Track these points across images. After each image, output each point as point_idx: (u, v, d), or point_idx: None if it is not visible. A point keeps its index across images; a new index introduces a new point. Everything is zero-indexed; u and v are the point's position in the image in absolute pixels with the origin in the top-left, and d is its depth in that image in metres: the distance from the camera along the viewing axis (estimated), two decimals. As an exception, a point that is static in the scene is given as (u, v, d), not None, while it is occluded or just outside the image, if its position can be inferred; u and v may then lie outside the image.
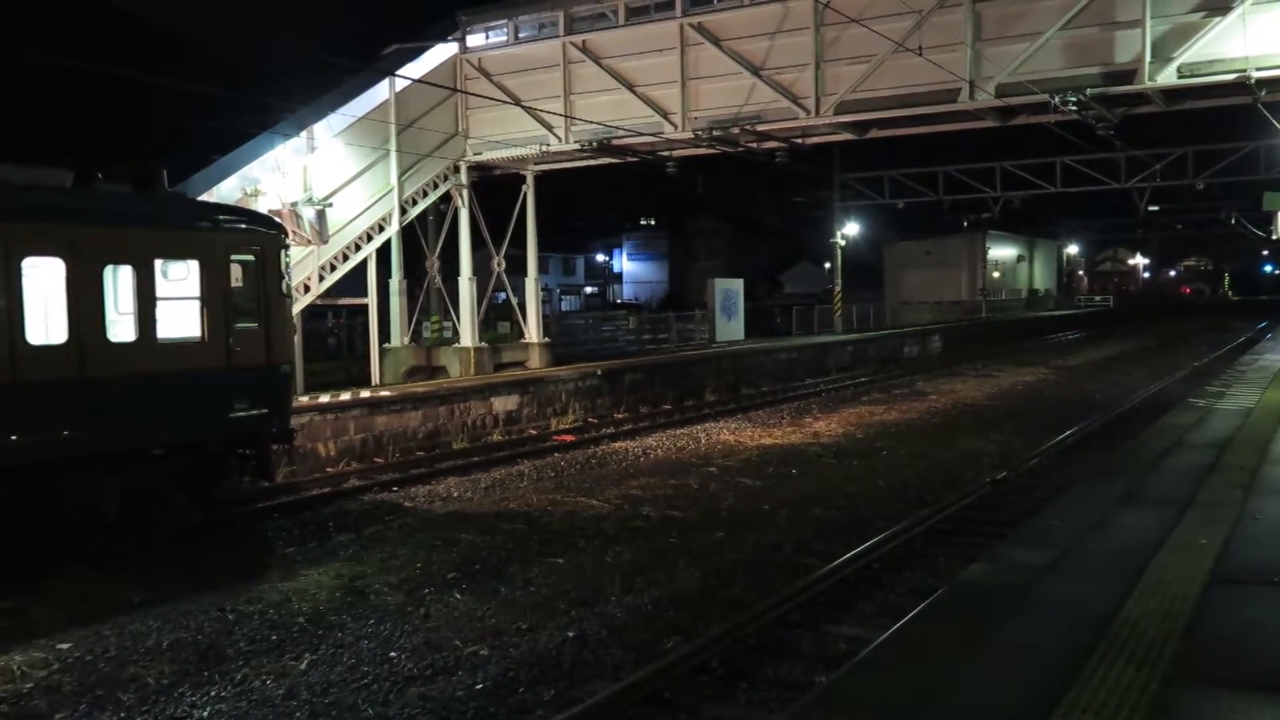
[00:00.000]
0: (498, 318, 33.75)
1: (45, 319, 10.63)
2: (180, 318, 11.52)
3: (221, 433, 12.01)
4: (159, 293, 11.28)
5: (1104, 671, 5.27)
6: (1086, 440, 18.08)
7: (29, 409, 10.15)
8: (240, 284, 12.10)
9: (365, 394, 18.64)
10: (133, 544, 11.30)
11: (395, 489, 15.06)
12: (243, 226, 12.66)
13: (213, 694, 7.64)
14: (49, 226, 10.50)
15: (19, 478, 10.22)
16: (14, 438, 10.07)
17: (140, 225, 11.46)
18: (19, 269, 10.16)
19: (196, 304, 11.58)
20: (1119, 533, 8.17)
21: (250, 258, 12.19)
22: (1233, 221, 58.93)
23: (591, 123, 21.55)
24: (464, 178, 24.64)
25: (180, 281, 11.59)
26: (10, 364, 9.98)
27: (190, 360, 11.57)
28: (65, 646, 8.61)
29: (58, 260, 10.45)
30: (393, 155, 22.48)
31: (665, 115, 21.86)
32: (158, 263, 11.36)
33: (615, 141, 22.50)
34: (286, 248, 13.03)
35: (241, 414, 12.03)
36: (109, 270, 11.06)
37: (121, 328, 11.10)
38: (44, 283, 10.54)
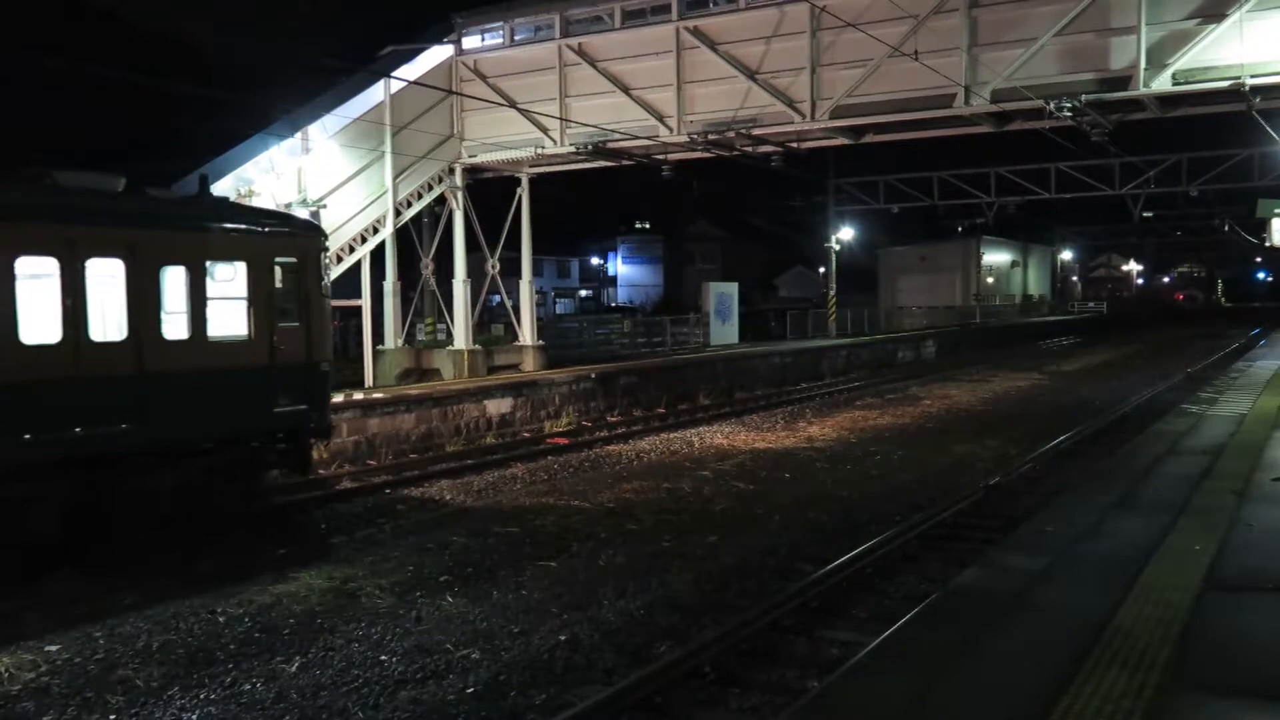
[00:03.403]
0: (492, 320, 33.74)
1: (106, 317, 10.99)
2: (228, 317, 11.98)
3: (265, 428, 12.52)
4: (209, 293, 11.76)
5: (1098, 678, 5.25)
6: (1080, 446, 18.08)
7: (91, 403, 10.60)
8: (283, 285, 12.58)
9: (359, 396, 18.60)
10: (137, 544, 11.27)
11: (388, 491, 15.02)
12: (286, 230, 13.15)
13: (202, 696, 7.60)
14: (110, 230, 10.97)
15: (82, 470, 10.64)
16: (78, 430, 10.50)
17: (192, 228, 11.92)
18: (83, 270, 10.58)
19: (243, 304, 12.10)
20: (1113, 539, 8.16)
21: (293, 259, 12.70)
22: (1226, 228, 59.19)
23: (587, 125, 21.52)
24: (459, 180, 24.59)
25: (227, 282, 12.04)
26: (75, 359, 10.42)
27: (237, 358, 12.07)
28: (54, 648, 8.56)
29: (118, 261, 10.92)
30: (387, 157, 22.43)
31: (661, 118, 21.84)
32: (208, 264, 11.82)
33: (610, 144, 22.47)
34: (326, 250, 13.62)
35: (284, 410, 12.51)
36: (164, 271, 11.43)
37: (175, 326, 11.51)
38: (105, 283, 10.93)
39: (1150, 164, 38.74)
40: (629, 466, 17.18)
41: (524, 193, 25.82)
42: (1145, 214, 49.18)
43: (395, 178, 22.67)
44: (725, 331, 36.16)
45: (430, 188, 24.04)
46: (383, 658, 8.31)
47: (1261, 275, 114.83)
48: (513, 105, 22.34)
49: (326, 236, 13.99)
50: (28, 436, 10.14)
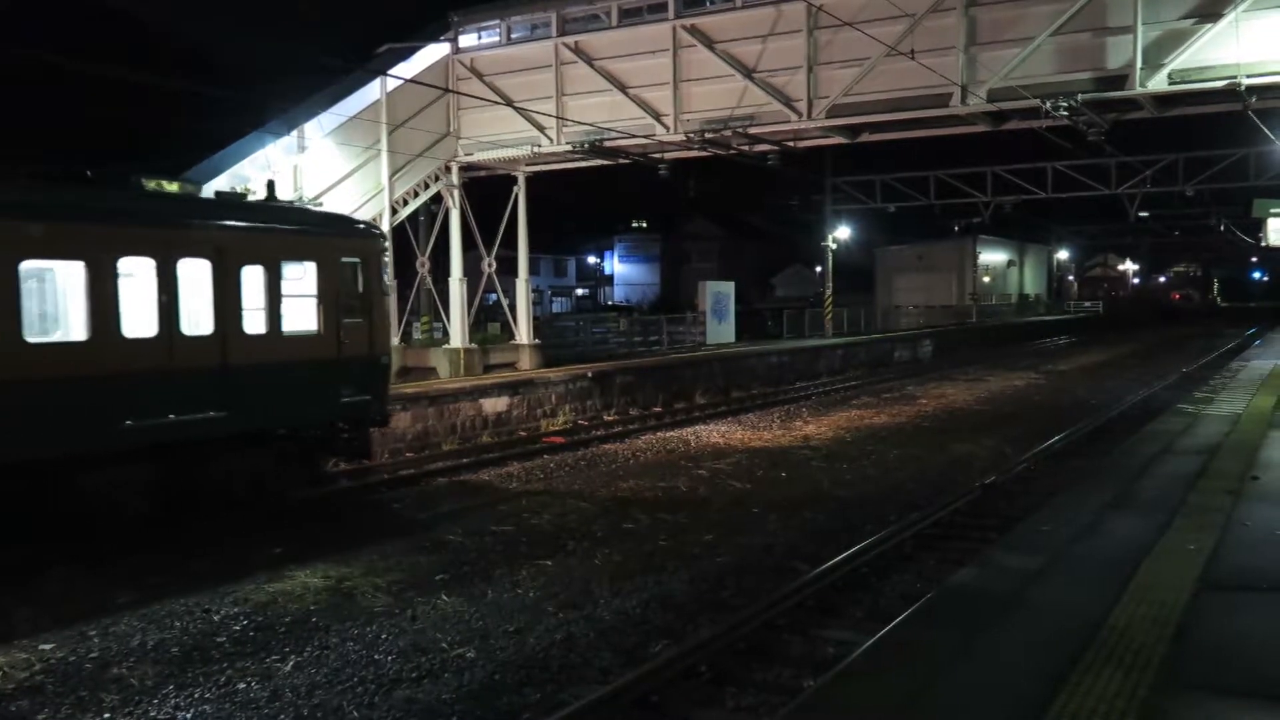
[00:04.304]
0: (488, 319, 33.67)
1: (194, 313, 11.75)
2: (300, 313, 12.83)
3: (333, 417, 13.46)
4: (283, 290, 12.59)
5: (1093, 678, 5.26)
6: (1076, 445, 18.11)
7: (182, 393, 11.41)
8: (347, 283, 13.44)
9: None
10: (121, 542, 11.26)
11: (383, 490, 15.00)
12: (349, 231, 14.17)
13: (196, 695, 7.58)
14: (198, 232, 11.83)
15: (173, 454, 11.50)
16: (170, 417, 11.26)
17: (268, 230, 12.78)
18: (175, 269, 11.39)
19: (314, 301, 12.97)
20: (1108, 538, 8.16)
21: (357, 259, 13.59)
22: (1222, 228, 59.25)
23: (583, 124, 21.51)
24: (455, 178, 24.57)
25: (299, 281, 12.87)
26: (169, 352, 11.28)
27: (309, 351, 12.94)
28: (48, 647, 8.54)
29: (205, 262, 11.71)
30: (383, 155, 22.40)
31: (658, 117, 21.82)
32: (282, 264, 12.65)
33: (607, 143, 22.45)
34: (385, 251, 14.54)
35: (349, 399, 13.42)
36: (244, 270, 12.17)
37: (254, 321, 12.28)
38: (194, 281, 11.70)
39: (1146, 163, 38.78)
40: (625, 465, 17.18)
41: (520, 191, 25.81)
42: (1141, 213, 49.22)
43: (391, 176, 22.64)
44: (722, 330, 36.15)
45: (426, 186, 24.02)
46: (378, 657, 8.30)
47: (1257, 275, 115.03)
48: (509, 103, 22.32)
49: (386, 238, 14.84)
50: (128, 423, 10.89)
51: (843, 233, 45.22)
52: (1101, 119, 18.84)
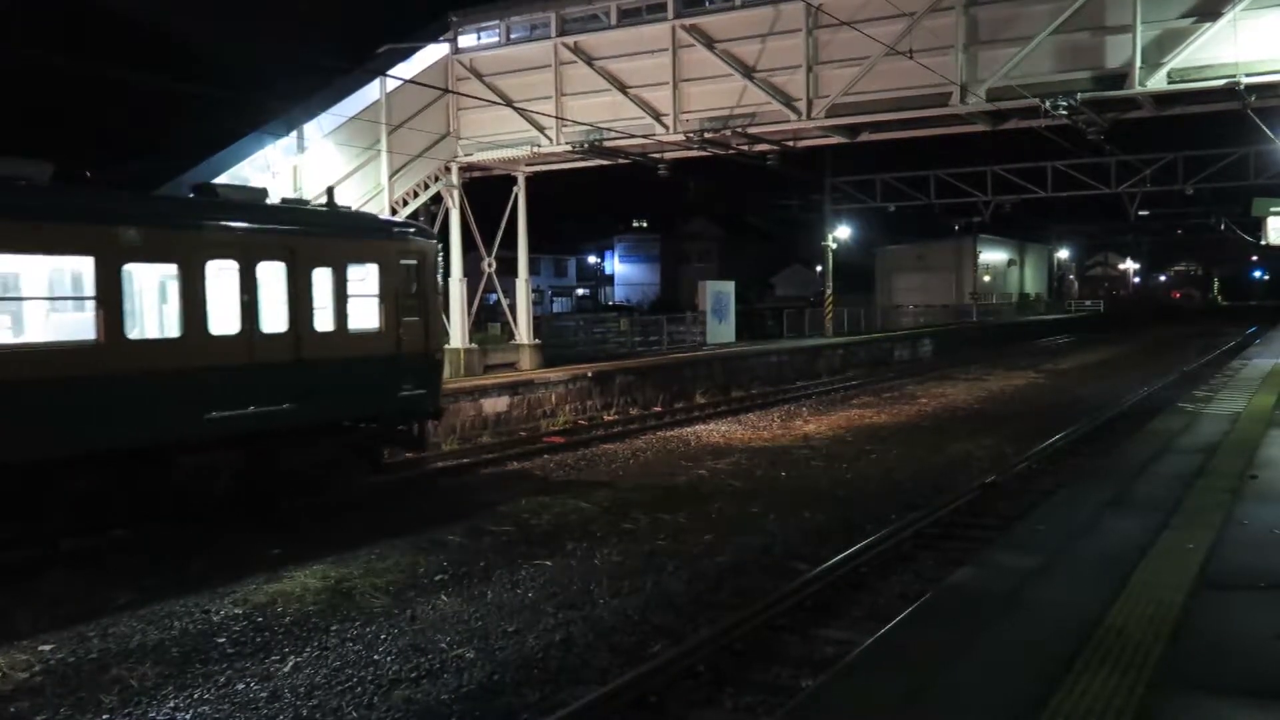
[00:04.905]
0: (488, 319, 33.68)
1: (272, 312, 12.48)
2: (363, 312, 13.63)
3: (392, 409, 14.20)
4: (349, 291, 13.36)
5: (1090, 677, 5.26)
6: (1075, 445, 18.11)
7: (261, 386, 12.17)
8: (405, 283, 14.18)
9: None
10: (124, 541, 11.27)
11: (385, 489, 14.98)
12: (407, 235, 14.89)
13: (196, 696, 7.59)
14: (275, 236, 12.61)
15: (251, 443, 12.27)
16: (251, 408, 12.03)
17: (336, 234, 13.64)
18: (255, 271, 12.13)
19: (375, 300, 13.75)
20: (1106, 537, 8.16)
21: (414, 261, 14.36)
22: (1222, 227, 59.24)
23: (583, 124, 21.52)
24: (455, 178, 24.58)
25: (362, 281, 13.66)
26: (249, 348, 12.05)
27: (371, 347, 13.71)
28: (47, 648, 8.55)
29: (280, 264, 12.48)
30: (383, 156, 22.41)
31: (657, 117, 21.83)
32: (348, 266, 13.42)
33: (606, 143, 22.47)
34: (440, 253, 15.36)
35: (406, 393, 14.19)
36: (315, 272, 12.94)
37: (324, 320, 13.07)
38: (271, 282, 12.46)
39: (1146, 162, 38.77)
40: (625, 465, 17.19)
41: (520, 191, 25.82)
42: (1141, 212, 49.23)
43: (391, 176, 22.65)
44: (722, 330, 36.16)
45: (426, 186, 24.03)
46: (377, 657, 8.31)
47: (1257, 274, 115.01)
48: (509, 104, 22.33)
49: (439, 241, 15.58)
50: (214, 414, 11.68)
51: (843, 232, 45.23)
52: (1101, 118, 18.85)
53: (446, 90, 23.34)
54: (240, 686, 7.75)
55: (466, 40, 24.24)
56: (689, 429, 21.39)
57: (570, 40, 22.67)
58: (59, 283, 11.27)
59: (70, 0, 36.67)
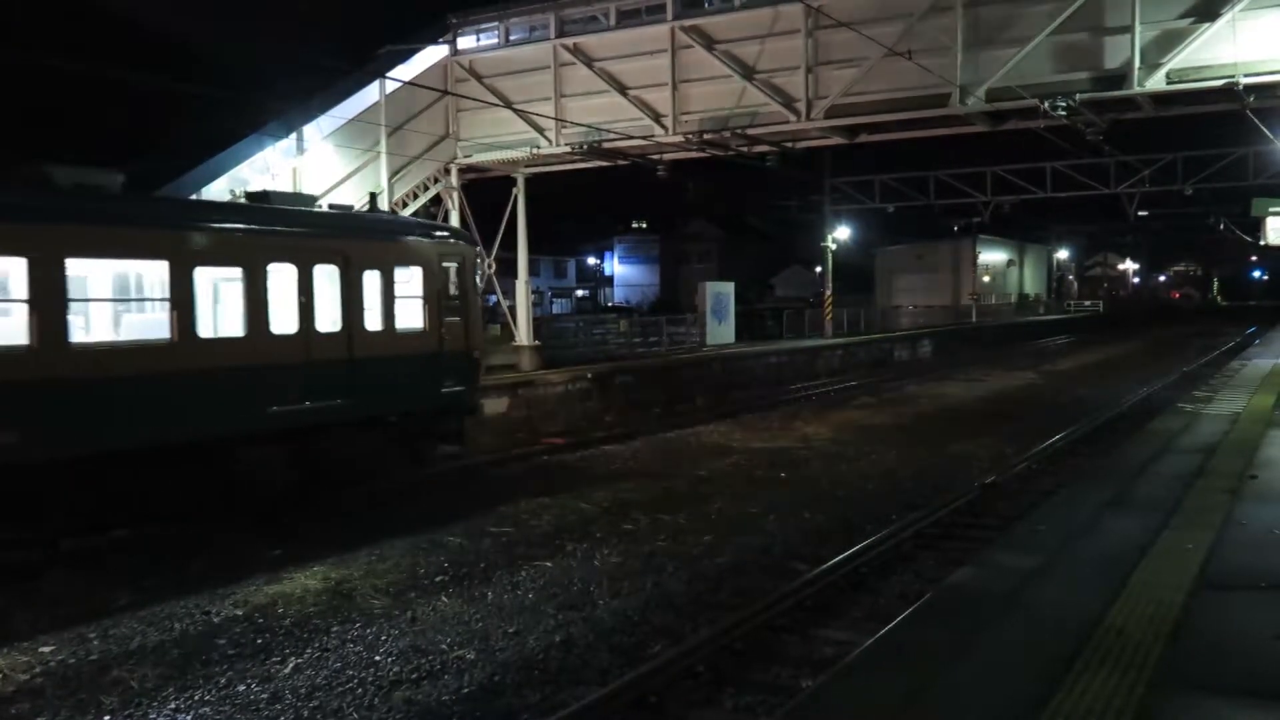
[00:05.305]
0: (488, 320, 33.63)
1: (326, 313, 13.10)
2: (409, 312, 14.26)
3: (434, 405, 14.83)
4: (396, 292, 13.98)
5: (1090, 677, 5.26)
6: (1075, 445, 18.12)
7: (317, 382, 12.81)
8: (447, 285, 14.81)
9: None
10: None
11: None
12: (449, 239, 15.69)
13: (196, 698, 7.59)
14: (330, 241, 13.32)
15: (307, 436, 12.92)
16: (308, 403, 12.69)
17: (384, 239, 14.42)
18: (312, 274, 12.81)
19: (420, 301, 14.38)
20: (1106, 538, 8.17)
21: (454, 264, 15.03)
22: (1221, 227, 59.24)
23: (582, 125, 21.52)
24: (454, 180, 24.58)
25: (407, 284, 14.27)
26: (306, 346, 12.68)
27: (416, 346, 14.34)
28: (48, 649, 8.55)
29: (334, 268, 13.14)
30: (383, 157, 22.40)
31: (656, 118, 21.83)
32: (395, 269, 14.04)
33: (606, 144, 22.46)
34: (480, 257, 16.04)
35: (448, 390, 14.85)
36: (366, 274, 13.58)
37: (372, 320, 13.70)
38: (325, 284, 13.08)
39: (1145, 163, 38.77)
40: (625, 466, 17.19)
41: (520, 193, 25.82)
42: (1140, 213, 49.21)
43: (391, 178, 22.65)
44: (722, 331, 36.13)
45: (426, 188, 24.02)
46: (378, 658, 8.31)
47: (1257, 274, 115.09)
48: (508, 105, 22.33)
49: (479, 244, 16.33)
50: (275, 408, 12.34)
51: (842, 233, 45.20)
52: (1100, 119, 18.85)
53: (445, 92, 23.33)
54: (241, 688, 7.75)
55: (465, 42, 24.23)
56: (689, 430, 21.39)
57: (570, 41, 22.67)
58: (138, 285, 12.00)
59: (69, 0, 36.68)
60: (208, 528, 12.14)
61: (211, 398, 11.69)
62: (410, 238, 14.98)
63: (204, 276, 11.86)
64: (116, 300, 11.71)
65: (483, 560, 11.14)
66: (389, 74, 22.24)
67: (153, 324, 11.41)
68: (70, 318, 10.50)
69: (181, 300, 11.29)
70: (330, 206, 15.20)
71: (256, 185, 19.94)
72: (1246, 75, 16.58)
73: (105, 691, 7.71)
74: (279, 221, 12.96)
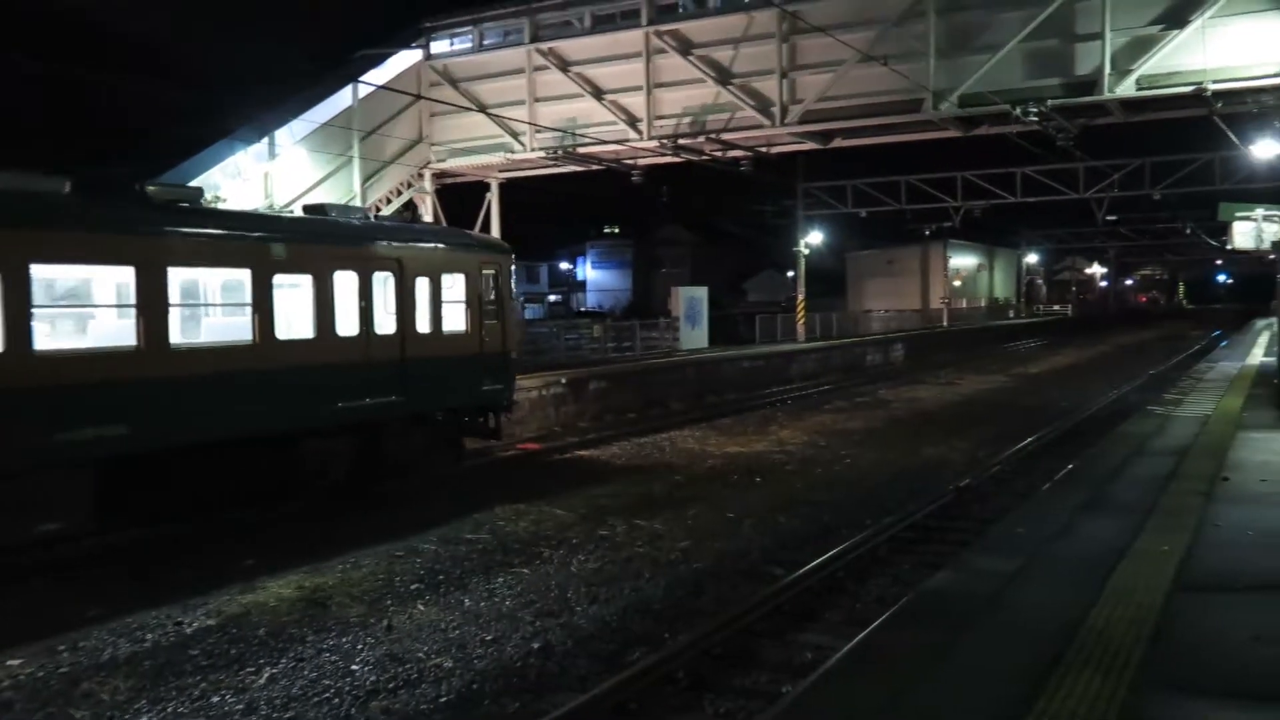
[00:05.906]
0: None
1: (382, 316, 13.92)
2: (454, 315, 15.16)
3: (475, 402, 15.86)
4: (443, 297, 14.86)
5: (1072, 680, 5.27)
6: (1049, 447, 18.23)
7: (374, 381, 13.71)
8: (486, 290, 15.76)
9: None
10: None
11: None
12: (487, 247, 16.74)
13: (170, 710, 7.47)
14: (387, 249, 14.18)
15: (365, 431, 13.83)
16: (366, 400, 13.60)
17: (432, 247, 15.25)
18: (371, 280, 13.68)
19: (463, 306, 15.31)
20: (1083, 540, 8.21)
21: (493, 271, 16.01)
22: (1188, 231, 59.97)
23: (556, 129, 21.49)
24: (428, 184, 24.49)
25: (452, 289, 15.16)
26: (366, 348, 13.58)
27: (459, 347, 15.24)
28: (16, 662, 8.39)
29: (389, 274, 14.03)
30: (355, 162, 22.30)
31: (632, 122, 21.84)
32: (442, 275, 14.88)
33: (579, 149, 22.45)
34: (515, 264, 16.98)
35: (488, 388, 15.85)
36: (417, 280, 14.44)
37: (422, 322, 14.56)
38: (382, 290, 13.99)
39: (1114, 168, 39.14)
40: (601, 471, 17.13)
41: (494, 198, 25.76)
42: (1109, 217, 49.73)
43: (364, 182, 22.54)
44: (695, 336, 36.16)
45: (399, 192, 23.94)
46: (354, 667, 8.22)
47: (1222, 278, 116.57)
48: (482, 109, 22.28)
49: (514, 252, 17.14)
50: (339, 405, 13.23)
51: (815, 237, 45.34)
52: (1071, 124, 19.05)
53: (418, 96, 23.24)
54: (215, 699, 7.64)
55: (439, 46, 24.16)
56: (664, 435, 21.35)
57: (544, 46, 22.65)
58: (224, 292, 12.87)
59: (40, 2, 36.24)
60: (181, 535, 12.00)
61: (289, 393, 12.64)
62: (454, 246, 15.82)
63: (281, 283, 12.73)
64: (208, 305, 12.82)
65: (459, 567, 11.06)
66: (362, 78, 22.14)
67: (238, 327, 12.37)
68: (170, 322, 11.33)
69: (262, 305, 12.21)
70: (378, 216, 16.19)
71: (228, 190, 19.82)
72: (1215, 81, 16.80)
73: (76, 705, 7.58)
74: (343, 232, 13.85)
